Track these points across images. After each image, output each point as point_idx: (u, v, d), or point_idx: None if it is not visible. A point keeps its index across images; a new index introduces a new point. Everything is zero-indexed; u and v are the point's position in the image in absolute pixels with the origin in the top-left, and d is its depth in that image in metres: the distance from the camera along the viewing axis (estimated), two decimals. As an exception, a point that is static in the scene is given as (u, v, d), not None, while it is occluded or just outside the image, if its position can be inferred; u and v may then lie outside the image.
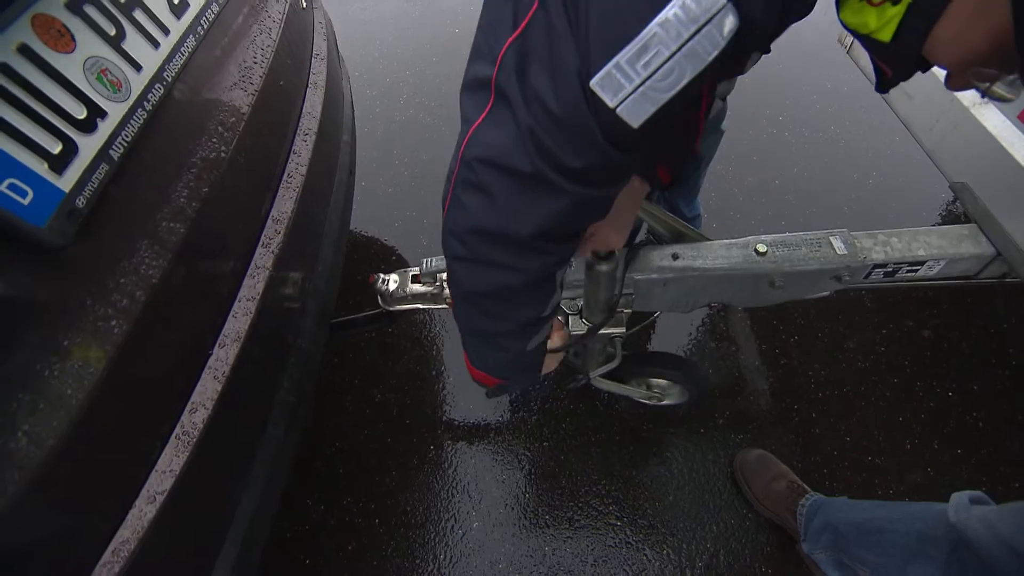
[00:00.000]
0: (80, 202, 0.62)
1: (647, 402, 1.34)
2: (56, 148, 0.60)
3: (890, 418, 1.38)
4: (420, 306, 1.14)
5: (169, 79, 0.77)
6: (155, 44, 0.76)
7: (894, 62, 0.52)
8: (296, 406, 0.97)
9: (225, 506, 0.82)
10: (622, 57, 0.42)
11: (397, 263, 1.78)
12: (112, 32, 0.69)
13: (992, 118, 1.04)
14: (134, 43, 0.72)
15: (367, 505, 1.31)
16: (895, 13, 0.45)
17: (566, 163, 0.48)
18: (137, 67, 0.72)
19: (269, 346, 0.90)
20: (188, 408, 0.72)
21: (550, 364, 0.90)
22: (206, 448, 0.71)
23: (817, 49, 2.31)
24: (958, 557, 0.83)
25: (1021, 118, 1.00)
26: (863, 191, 1.87)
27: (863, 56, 1.34)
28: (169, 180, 0.76)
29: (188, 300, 0.75)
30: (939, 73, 0.50)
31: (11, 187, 0.55)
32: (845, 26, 0.51)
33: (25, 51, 0.58)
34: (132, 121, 0.70)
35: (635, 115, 0.45)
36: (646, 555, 1.22)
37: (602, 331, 1.01)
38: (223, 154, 0.83)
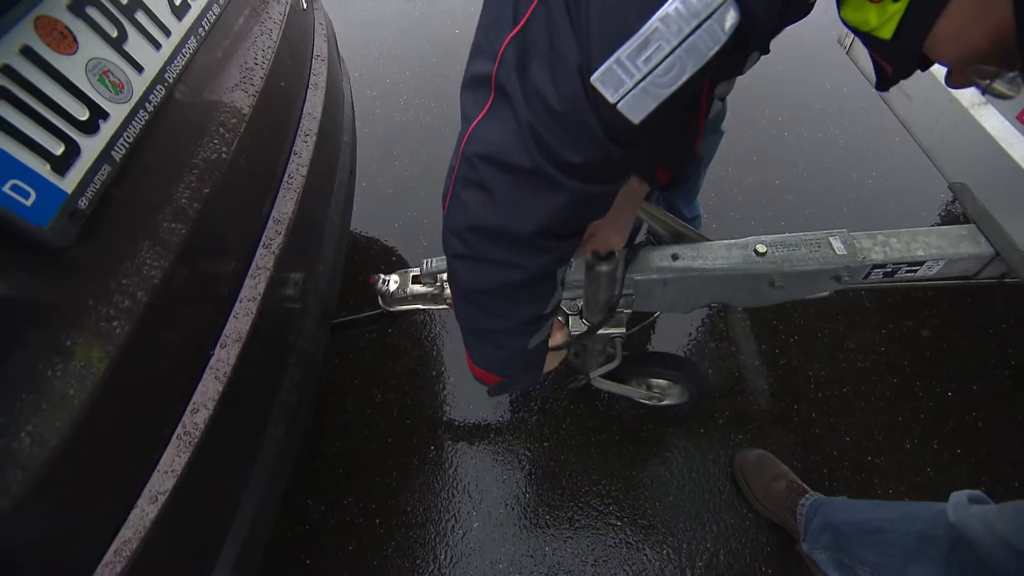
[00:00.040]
0: (82, 203, 0.62)
1: (647, 402, 1.34)
2: (58, 149, 0.61)
3: (890, 418, 1.38)
4: (420, 307, 1.14)
5: (170, 80, 0.78)
6: (156, 45, 0.76)
7: (895, 60, 0.52)
8: (297, 406, 0.97)
9: (226, 506, 0.82)
10: (623, 52, 0.42)
11: (397, 264, 1.79)
12: (114, 34, 0.69)
13: (991, 119, 1.04)
14: (136, 44, 0.72)
15: (367, 505, 1.31)
16: (896, 10, 0.45)
17: (566, 159, 0.48)
18: (139, 68, 0.72)
19: (270, 346, 0.90)
20: (190, 408, 0.72)
21: (552, 362, 0.89)
22: (207, 448, 0.72)
23: (817, 50, 2.31)
24: (957, 556, 0.83)
25: (1020, 119, 1.00)
26: (862, 191, 1.88)
27: (863, 56, 1.34)
28: (171, 181, 0.76)
29: (190, 301, 0.76)
30: (938, 74, 0.50)
31: (14, 188, 0.56)
32: (846, 23, 0.51)
33: (28, 53, 0.58)
34: (134, 122, 0.70)
35: (636, 111, 0.44)
36: (646, 555, 1.23)
37: (602, 331, 1.01)
38: (224, 155, 0.83)
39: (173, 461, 0.68)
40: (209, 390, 0.74)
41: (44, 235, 0.58)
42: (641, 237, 1.58)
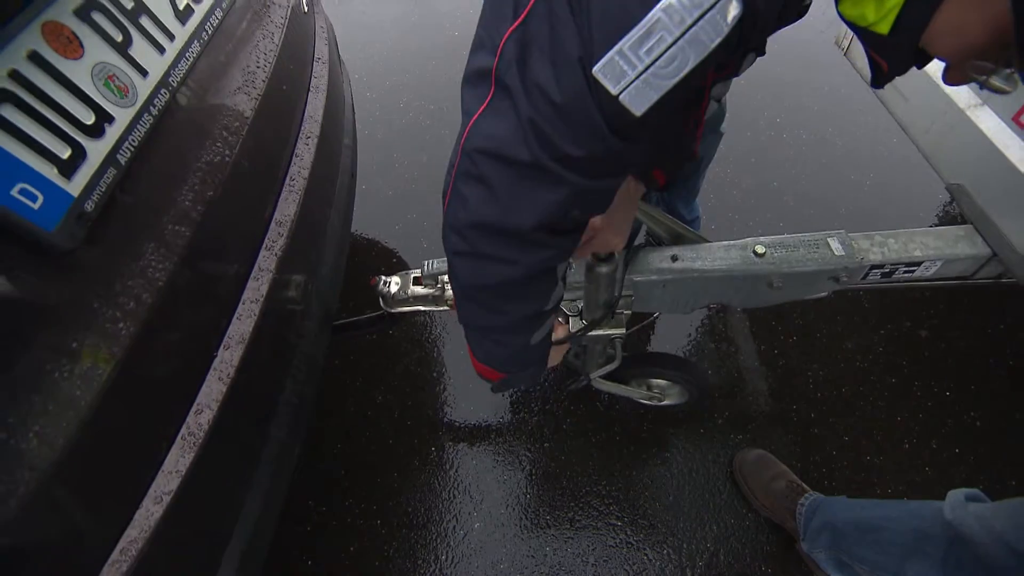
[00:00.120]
0: (88, 206, 0.63)
1: (647, 403, 1.35)
2: (65, 153, 0.61)
3: (888, 417, 1.39)
4: (421, 308, 1.15)
5: (174, 84, 0.78)
6: (161, 50, 0.77)
7: (891, 55, 0.52)
8: (299, 407, 0.98)
9: (230, 506, 0.82)
10: (625, 43, 0.41)
11: (398, 265, 1.79)
12: (119, 38, 0.70)
13: (987, 120, 1.05)
14: (140, 49, 0.73)
15: (368, 506, 1.32)
16: (894, 4, 0.45)
17: (566, 152, 0.48)
18: (143, 73, 0.73)
19: (273, 348, 0.91)
20: (194, 409, 0.73)
21: (554, 357, 0.89)
22: (211, 449, 0.72)
23: (815, 51, 2.32)
24: (955, 554, 0.83)
25: (1016, 120, 1.01)
26: (860, 192, 1.89)
27: (860, 58, 1.35)
28: (174, 184, 0.77)
29: (193, 302, 0.76)
30: (935, 75, 0.51)
31: (22, 191, 0.56)
32: (844, 19, 0.51)
33: (35, 58, 0.59)
34: (139, 126, 0.71)
35: (638, 103, 0.44)
36: (647, 555, 1.23)
37: (602, 332, 1.02)
38: (227, 158, 0.84)
39: (178, 461, 0.69)
40: (213, 391, 0.75)
41: (51, 238, 0.58)
42: (640, 239, 1.59)
